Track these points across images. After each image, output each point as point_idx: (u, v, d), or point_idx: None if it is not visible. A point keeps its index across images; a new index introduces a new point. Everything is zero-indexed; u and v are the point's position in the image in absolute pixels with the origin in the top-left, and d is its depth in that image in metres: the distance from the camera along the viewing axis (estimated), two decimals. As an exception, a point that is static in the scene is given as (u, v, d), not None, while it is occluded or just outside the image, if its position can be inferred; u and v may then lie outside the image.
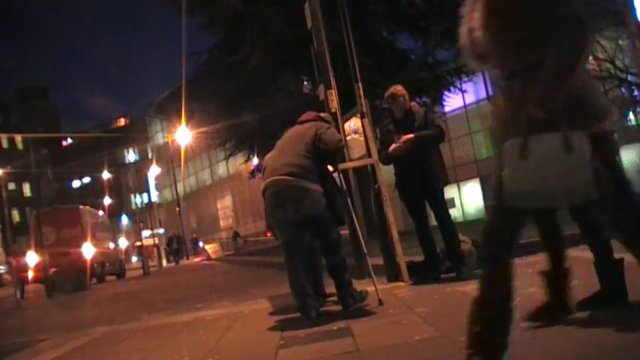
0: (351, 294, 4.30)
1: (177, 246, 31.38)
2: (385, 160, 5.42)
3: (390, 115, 5.56)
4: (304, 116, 4.70)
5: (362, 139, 5.75)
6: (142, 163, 61.97)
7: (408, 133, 5.23)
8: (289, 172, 4.24)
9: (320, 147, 4.33)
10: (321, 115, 4.81)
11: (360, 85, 5.75)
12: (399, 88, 5.45)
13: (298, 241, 4.39)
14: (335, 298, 4.72)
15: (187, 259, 31.66)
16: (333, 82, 6.03)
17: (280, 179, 4.26)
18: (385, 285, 5.23)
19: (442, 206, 5.31)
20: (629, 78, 21.72)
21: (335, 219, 4.38)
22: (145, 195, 64.06)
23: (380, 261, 5.63)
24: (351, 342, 3.25)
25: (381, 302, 4.32)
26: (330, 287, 5.32)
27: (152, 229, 41.96)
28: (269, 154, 4.64)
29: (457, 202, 34.70)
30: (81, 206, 20.59)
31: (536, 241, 6.09)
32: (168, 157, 40.53)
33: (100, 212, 24.57)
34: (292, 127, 4.70)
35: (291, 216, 4.22)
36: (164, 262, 28.38)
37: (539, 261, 5.19)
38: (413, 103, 5.52)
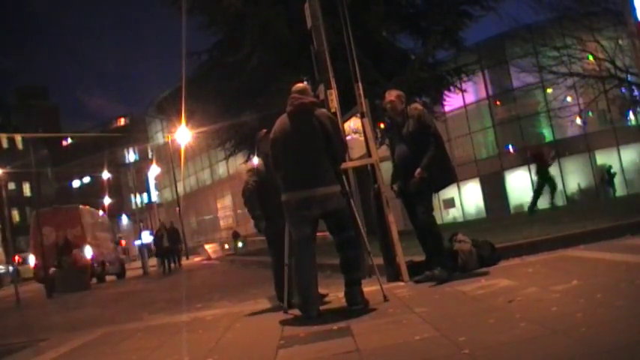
0: (360, 292, 4.29)
1: (168, 244, 20.66)
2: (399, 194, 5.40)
3: (391, 120, 5.51)
4: (297, 105, 4.41)
5: (362, 139, 5.75)
6: (142, 163, 61.97)
7: (403, 138, 5.22)
8: (314, 182, 4.27)
9: (331, 146, 4.34)
10: (313, 100, 4.54)
11: (360, 85, 5.75)
12: (387, 97, 5.38)
13: (313, 238, 4.40)
14: (330, 298, 4.73)
15: (178, 263, 21.66)
16: (333, 82, 6.01)
17: (307, 194, 4.26)
18: (385, 285, 5.21)
19: (423, 207, 5.19)
20: (629, 78, 21.70)
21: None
22: (145, 195, 64.06)
23: (380, 261, 5.63)
24: (351, 342, 3.25)
25: (386, 299, 4.36)
26: (327, 288, 5.33)
27: (152, 228, 41.94)
28: (277, 157, 4.46)
29: (457, 202, 34.70)
30: (81, 206, 20.60)
31: (536, 241, 6.15)
32: (168, 157, 40.54)
33: (100, 212, 24.58)
34: (285, 117, 4.48)
35: (316, 212, 4.26)
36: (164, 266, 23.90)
37: (540, 261, 5.21)
38: (411, 106, 5.40)
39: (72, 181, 66.24)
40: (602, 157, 30.82)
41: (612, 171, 27.83)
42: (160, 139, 59.43)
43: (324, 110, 4.63)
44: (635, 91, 23.28)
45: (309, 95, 4.57)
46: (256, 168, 5.34)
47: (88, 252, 18.08)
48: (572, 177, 31.88)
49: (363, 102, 5.70)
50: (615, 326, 2.68)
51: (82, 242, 18.03)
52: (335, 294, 4.97)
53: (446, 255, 5.24)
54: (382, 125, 15.30)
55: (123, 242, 32.39)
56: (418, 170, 5.03)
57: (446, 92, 16.39)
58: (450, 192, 31.69)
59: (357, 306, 4.21)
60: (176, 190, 38.46)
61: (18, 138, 60.95)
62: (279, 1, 13.62)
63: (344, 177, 4.88)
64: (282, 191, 4.40)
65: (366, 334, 3.41)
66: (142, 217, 53.39)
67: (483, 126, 34.58)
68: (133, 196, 57.60)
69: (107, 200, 49.06)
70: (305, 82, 15.72)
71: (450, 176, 5.42)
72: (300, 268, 4.32)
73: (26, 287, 19.28)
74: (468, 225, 15.59)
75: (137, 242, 38.76)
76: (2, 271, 32.81)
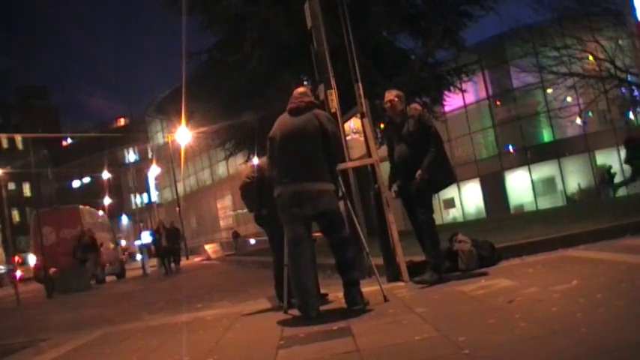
0: (359, 292, 4.29)
1: (167, 244, 19.60)
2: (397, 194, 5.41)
3: (389, 120, 5.48)
4: (297, 103, 4.48)
5: (362, 139, 5.74)
6: (142, 163, 62.01)
7: (403, 138, 5.21)
8: (307, 177, 4.27)
9: (329, 147, 4.34)
10: (313, 100, 4.60)
11: (360, 85, 5.74)
12: (386, 97, 5.37)
13: (308, 237, 4.38)
14: (330, 298, 4.72)
15: (177, 264, 20.16)
16: (333, 82, 6.01)
17: (300, 188, 4.26)
18: (385, 285, 5.21)
19: (423, 208, 5.20)
20: (629, 78, 21.74)
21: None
22: (145, 195, 64.11)
23: (380, 261, 5.62)
24: (351, 342, 3.25)
25: (386, 299, 4.35)
26: (327, 288, 5.33)
27: (152, 228, 42.01)
28: (274, 154, 4.49)
29: (457, 202, 34.69)
30: (81, 206, 20.60)
31: (536, 241, 6.15)
32: (168, 157, 40.54)
33: (100, 212, 24.57)
34: (284, 115, 4.52)
35: (307, 211, 4.25)
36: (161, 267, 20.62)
37: (540, 261, 5.21)
38: (410, 106, 5.41)
39: (72, 181, 66.25)
40: (602, 157, 30.80)
41: (612, 171, 27.82)
42: (160, 139, 59.47)
43: (322, 111, 4.65)
44: (635, 91, 23.31)
45: (309, 97, 4.60)
46: (258, 165, 5.35)
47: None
48: (572, 177, 31.89)
49: (363, 102, 5.69)
50: (615, 326, 2.68)
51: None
52: (335, 294, 4.97)
53: (441, 258, 5.22)
54: (382, 125, 15.33)
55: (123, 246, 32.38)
56: (419, 172, 5.03)
57: (446, 92, 16.39)
58: (450, 192, 31.68)
59: (356, 306, 4.20)
60: (176, 190, 38.43)
61: (18, 138, 61.01)
62: (279, 1, 13.62)
63: (341, 178, 4.89)
64: (275, 186, 4.41)
65: (366, 334, 3.41)
66: (142, 217, 53.56)
67: (483, 126, 34.58)
68: (133, 196, 57.84)
69: (107, 200, 49.08)
70: (305, 84, 15.83)
71: (450, 177, 5.41)
72: (296, 269, 4.30)
73: (26, 287, 19.28)
74: (467, 225, 15.59)
75: (137, 242, 38.75)
76: (2, 271, 32.84)
